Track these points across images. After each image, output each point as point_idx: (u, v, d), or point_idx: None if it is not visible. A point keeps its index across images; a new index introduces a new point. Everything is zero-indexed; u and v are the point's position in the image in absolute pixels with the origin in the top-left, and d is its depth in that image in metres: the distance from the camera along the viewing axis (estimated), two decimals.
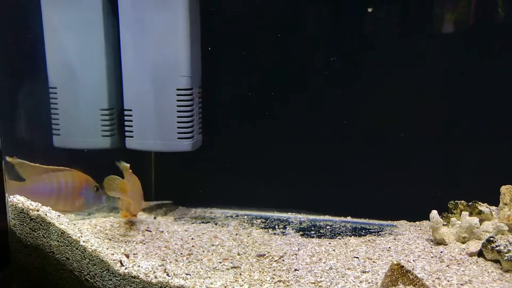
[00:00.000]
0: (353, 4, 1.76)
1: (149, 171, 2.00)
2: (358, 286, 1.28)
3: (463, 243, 1.53)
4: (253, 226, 1.80)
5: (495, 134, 1.73)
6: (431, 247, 1.54)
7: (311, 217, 1.90)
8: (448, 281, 1.29)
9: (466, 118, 1.75)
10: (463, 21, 1.73)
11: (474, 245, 1.48)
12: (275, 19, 1.84)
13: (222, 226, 1.78)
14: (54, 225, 1.33)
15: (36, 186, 1.55)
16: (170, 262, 1.43)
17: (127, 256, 1.34)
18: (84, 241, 1.31)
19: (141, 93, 1.72)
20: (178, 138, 1.73)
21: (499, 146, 1.73)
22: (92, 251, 1.29)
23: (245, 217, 1.91)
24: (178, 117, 1.72)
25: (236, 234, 1.69)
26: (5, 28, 1.60)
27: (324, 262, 1.43)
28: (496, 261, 1.40)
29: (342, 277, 1.33)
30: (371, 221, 1.86)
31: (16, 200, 1.38)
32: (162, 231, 1.69)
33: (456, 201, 1.64)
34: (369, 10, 1.67)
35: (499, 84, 1.71)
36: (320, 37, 1.84)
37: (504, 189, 1.58)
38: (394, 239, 1.63)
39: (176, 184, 2.01)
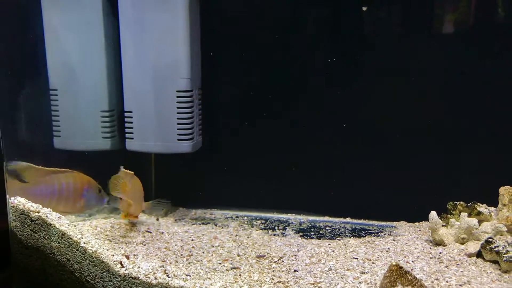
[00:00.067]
0: (353, 4, 1.76)
1: (149, 173, 2.00)
2: (357, 287, 1.28)
3: (462, 244, 1.53)
4: (253, 227, 1.81)
5: (495, 135, 1.73)
6: (430, 248, 1.55)
7: (311, 218, 1.91)
8: (447, 282, 1.29)
9: (466, 118, 1.76)
10: (463, 21, 1.73)
11: (473, 246, 1.48)
12: (275, 20, 1.84)
13: (222, 227, 1.79)
14: (54, 226, 1.34)
15: (37, 188, 1.55)
16: (170, 263, 1.43)
17: (128, 257, 1.34)
18: (84, 243, 1.31)
19: (141, 95, 1.73)
20: (178, 140, 1.74)
21: (499, 147, 1.73)
22: (93, 252, 1.30)
23: (245, 218, 1.91)
24: (178, 118, 1.72)
25: (236, 235, 1.70)
26: (5, 30, 1.60)
27: (323, 263, 1.43)
28: (495, 262, 1.40)
29: (342, 278, 1.33)
30: (371, 222, 1.86)
31: (17, 201, 1.38)
32: (162, 232, 1.70)
33: (455, 202, 1.64)
34: (364, 9, 1.68)
35: (499, 84, 1.71)
36: (320, 37, 1.84)
37: (503, 190, 1.58)
38: (393, 240, 1.63)
39: (176, 185, 2.01)
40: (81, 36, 1.73)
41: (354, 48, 1.80)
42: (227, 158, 1.95)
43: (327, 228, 1.80)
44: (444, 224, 1.60)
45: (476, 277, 1.32)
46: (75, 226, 1.38)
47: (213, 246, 1.57)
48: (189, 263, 1.44)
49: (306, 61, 1.85)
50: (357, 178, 1.85)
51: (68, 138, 1.78)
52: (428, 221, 1.57)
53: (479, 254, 1.45)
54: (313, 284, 1.30)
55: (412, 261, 1.44)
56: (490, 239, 1.41)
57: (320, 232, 1.76)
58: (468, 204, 1.62)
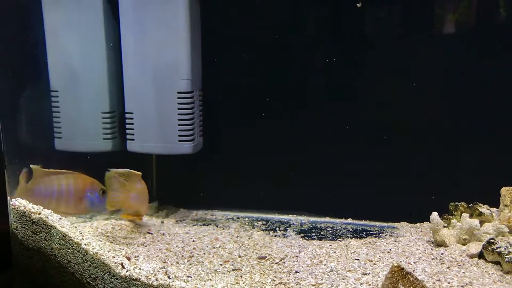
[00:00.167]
0: (353, 4, 1.76)
1: (150, 174, 2.00)
2: None
3: (464, 244, 1.53)
4: (254, 228, 1.81)
5: (495, 134, 1.73)
6: (431, 249, 1.54)
7: (312, 219, 1.90)
8: (449, 283, 1.29)
9: (466, 118, 1.75)
10: (464, 21, 1.73)
11: (475, 247, 1.48)
12: (275, 20, 1.84)
13: (223, 228, 1.79)
14: (55, 228, 1.33)
15: (36, 189, 1.55)
16: (171, 264, 1.43)
17: (129, 259, 1.34)
18: (85, 244, 1.31)
19: (142, 96, 1.73)
20: (179, 141, 1.74)
21: (500, 147, 1.73)
22: (94, 253, 1.29)
23: (246, 219, 1.91)
24: (179, 120, 1.72)
25: (237, 236, 1.70)
26: (7, 31, 1.60)
27: (325, 264, 1.43)
28: (497, 263, 1.40)
29: (343, 279, 1.33)
30: (372, 223, 1.86)
31: (18, 203, 1.38)
32: (163, 234, 1.69)
33: (457, 202, 1.64)
34: (358, 5, 1.68)
35: (499, 84, 1.71)
36: (320, 37, 1.84)
37: (504, 190, 1.58)
38: (395, 241, 1.63)
39: (177, 186, 2.01)
40: (82, 38, 1.73)
41: (354, 48, 1.80)
42: (227, 159, 1.95)
43: (328, 229, 1.80)
44: (446, 225, 1.60)
45: (478, 278, 1.32)
46: (76, 227, 1.38)
47: (214, 247, 1.57)
48: (190, 264, 1.44)
49: (306, 61, 1.85)
50: (358, 179, 1.85)
51: (69, 139, 1.78)
52: (430, 222, 1.57)
53: (480, 255, 1.45)
54: (315, 285, 1.29)
55: (414, 262, 1.44)
56: (492, 240, 1.41)
57: (321, 233, 1.76)
58: (470, 205, 1.61)
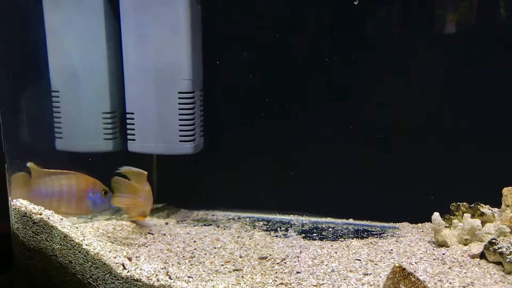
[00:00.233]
0: (353, 4, 1.76)
1: (151, 174, 2.00)
2: None
3: (465, 245, 1.53)
4: (255, 228, 1.81)
5: (495, 134, 1.73)
6: (433, 249, 1.54)
7: (313, 219, 1.90)
8: (450, 283, 1.29)
9: (466, 118, 1.75)
10: (464, 21, 1.73)
11: (476, 247, 1.48)
12: (275, 20, 1.84)
13: (224, 229, 1.79)
14: (56, 228, 1.33)
15: (36, 189, 1.55)
16: (172, 265, 1.43)
17: (130, 259, 1.34)
18: (86, 245, 1.31)
19: (143, 96, 1.73)
20: (180, 141, 1.74)
21: (501, 147, 1.73)
22: (95, 254, 1.29)
23: (247, 219, 1.91)
24: (180, 120, 1.72)
25: (238, 236, 1.70)
26: (8, 32, 1.60)
27: (326, 265, 1.43)
28: (498, 263, 1.39)
29: (344, 279, 1.33)
30: (373, 223, 1.86)
31: (19, 203, 1.38)
32: (164, 234, 1.69)
33: (458, 203, 1.64)
34: (355, 2, 1.67)
35: (499, 84, 1.71)
36: (320, 37, 1.84)
37: (506, 190, 1.58)
38: (396, 241, 1.63)
39: (178, 186, 2.01)
40: (83, 38, 1.73)
41: (354, 48, 1.80)
42: (228, 159, 1.95)
43: (330, 229, 1.80)
44: (447, 225, 1.60)
45: (479, 278, 1.32)
46: (77, 228, 1.38)
47: (215, 248, 1.57)
48: (191, 264, 1.44)
49: (306, 61, 1.85)
50: (359, 179, 1.85)
51: (70, 139, 1.78)
52: (431, 222, 1.57)
53: (482, 255, 1.44)
54: (316, 285, 1.29)
55: (415, 263, 1.44)
56: (494, 240, 1.41)
57: (323, 233, 1.75)
58: (471, 205, 1.61)
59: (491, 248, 1.40)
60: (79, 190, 1.60)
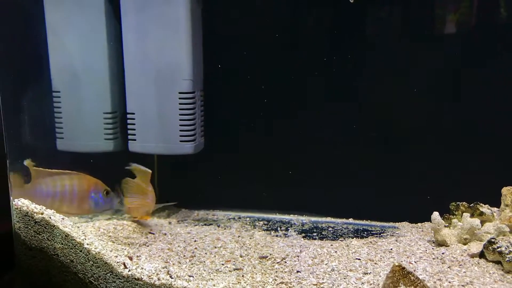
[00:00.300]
0: (353, 4, 1.76)
1: (152, 174, 2.00)
2: (360, 287, 1.28)
3: (465, 244, 1.53)
4: (255, 228, 1.81)
5: (495, 135, 1.73)
6: (432, 248, 1.55)
7: (313, 219, 1.91)
8: (450, 282, 1.29)
9: (466, 118, 1.76)
10: (464, 21, 1.74)
11: (476, 247, 1.49)
12: (275, 20, 1.85)
13: (225, 228, 1.79)
14: (58, 228, 1.34)
15: (37, 189, 1.56)
16: (173, 264, 1.44)
17: (131, 259, 1.35)
18: (88, 244, 1.32)
19: (144, 97, 1.73)
20: (181, 141, 1.74)
21: (501, 147, 1.73)
22: (96, 253, 1.30)
23: (247, 219, 1.92)
24: (180, 120, 1.73)
25: (239, 236, 1.70)
26: (8, 32, 1.61)
27: (326, 264, 1.44)
28: (498, 262, 1.40)
29: (344, 278, 1.33)
30: (373, 223, 1.86)
31: (21, 203, 1.39)
32: (165, 234, 1.70)
33: (458, 202, 1.65)
34: (351, 1, 1.68)
35: (499, 84, 1.71)
36: (320, 37, 1.85)
37: (505, 190, 1.58)
38: (396, 241, 1.64)
39: (179, 186, 2.02)
40: (84, 38, 1.73)
41: (354, 48, 1.80)
42: (228, 159, 1.95)
43: (330, 229, 1.81)
44: (447, 224, 1.60)
45: (478, 277, 1.32)
46: (78, 227, 1.39)
47: (215, 247, 1.58)
48: (192, 264, 1.45)
49: (306, 61, 1.85)
50: (359, 179, 1.85)
51: (71, 140, 1.79)
52: (431, 222, 1.58)
53: (481, 255, 1.45)
54: (316, 285, 1.30)
55: (415, 262, 1.44)
56: (493, 240, 1.41)
57: (323, 233, 1.76)
58: (471, 205, 1.62)
59: (490, 247, 1.40)
60: (81, 190, 1.60)
